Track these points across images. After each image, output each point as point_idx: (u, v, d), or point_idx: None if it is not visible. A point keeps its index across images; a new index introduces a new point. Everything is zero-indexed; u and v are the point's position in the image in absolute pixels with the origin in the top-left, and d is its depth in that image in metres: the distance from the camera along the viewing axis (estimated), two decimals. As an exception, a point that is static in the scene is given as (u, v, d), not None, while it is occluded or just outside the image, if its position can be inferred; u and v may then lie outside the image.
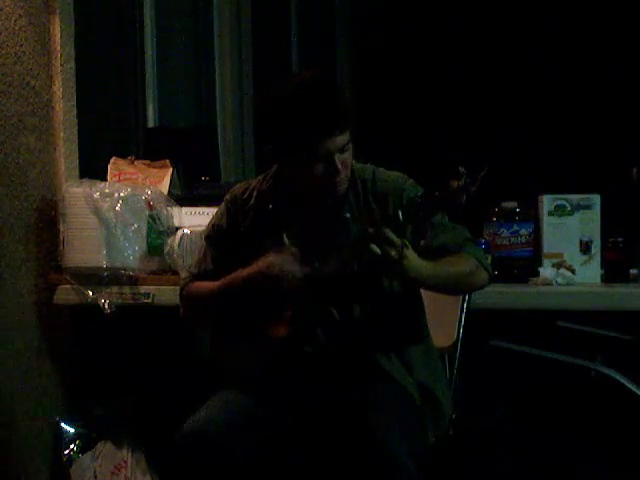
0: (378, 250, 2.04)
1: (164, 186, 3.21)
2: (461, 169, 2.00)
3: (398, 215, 2.04)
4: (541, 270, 2.85)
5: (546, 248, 2.89)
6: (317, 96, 2.18)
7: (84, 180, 3.06)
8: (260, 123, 2.30)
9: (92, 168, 3.25)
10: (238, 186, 2.44)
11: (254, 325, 2.28)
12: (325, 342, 2.27)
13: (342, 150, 2.20)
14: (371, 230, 2.06)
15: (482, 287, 2.33)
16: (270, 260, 2.20)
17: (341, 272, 2.18)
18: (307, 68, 2.30)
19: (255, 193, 2.37)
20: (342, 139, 2.19)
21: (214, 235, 2.41)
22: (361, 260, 2.18)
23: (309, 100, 2.17)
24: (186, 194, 3.24)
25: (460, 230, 2.30)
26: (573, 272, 2.84)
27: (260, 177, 2.41)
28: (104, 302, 2.94)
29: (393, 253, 2.04)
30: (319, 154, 2.18)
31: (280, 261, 2.19)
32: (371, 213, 2.23)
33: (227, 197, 2.43)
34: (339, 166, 2.20)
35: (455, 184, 2.00)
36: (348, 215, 2.28)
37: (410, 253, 2.09)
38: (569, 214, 2.89)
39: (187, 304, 2.42)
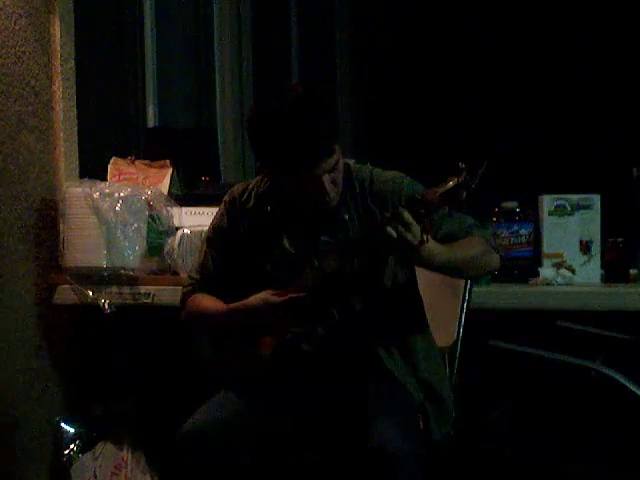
0: (394, 233, 2.01)
1: (164, 186, 3.21)
2: (461, 165, 2.00)
3: (399, 212, 2.04)
4: (541, 270, 2.85)
5: (546, 248, 2.89)
6: (302, 123, 2.13)
7: (84, 180, 3.06)
8: (249, 141, 2.29)
9: (92, 168, 3.25)
10: (237, 187, 2.43)
11: (247, 341, 2.29)
12: (324, 341, 2.27)
13: (331, 170, 2.18)
14: (387, 214, 2.04)
15: (495, 269, 2.32)
16: (268, 299, 2.20)
17: (341, 270, 2.18)
18: (294, 83, 2.24)
19: (254, 194, 2.37)
20: (330, 160, 2.17)
21: (214, 237, 2.41)
22: (362, 257, 2.18)
23: (294, 128, 2.12)
24: (186, 194, 3.24)
25: (463, 217, 2.28)
26: (573, 272, 2.84)
27: (258, 178, 2.40)
28: (104, 302, 2.94)
29: (410, 236, 2.03)
30: (307, 179, 2.17)
31: (277, 301, 2.19)
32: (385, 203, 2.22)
33: (226, 198, 2.42)
34: (328, 188, 2.19)
35: (455, 180, 2.00)
36: (346, 216, 2.28)
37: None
38: (569, 214, 2.89)
39: (188, 318, 2.41)
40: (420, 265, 2.18)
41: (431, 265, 2.14)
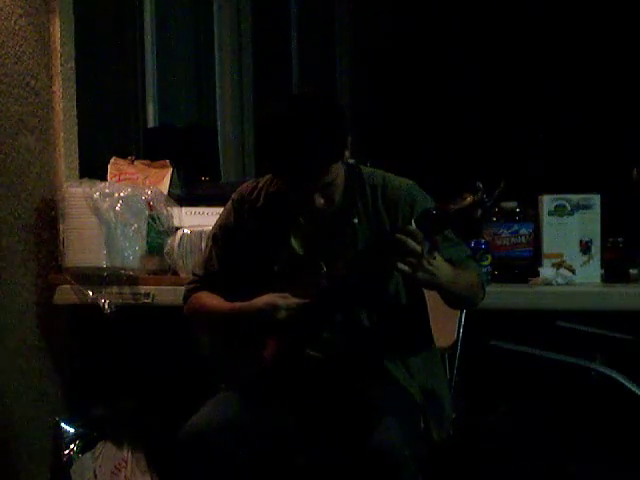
0: (404, 242, 2.02)
1: (164, 186, 3.21)
2: (478, 184, 2.00)
3: (411, 224, 2.03)
4: (541, 270, 2.85)
5: (546, 248, 2.89)
6: (293, 145, 2.11)
7: (84, 180, 3.06)
8: (257, 142, 2.30)
9: (92, 168, 3.26)
10: (245, 185, 2.40)
11: (250, 342, 2.29)
12: (329, 345, 2.26)
13: (323, 187, 2.17)
14: (400, 224, 2.05)
15: (476, 306, 2.33)
16: (275, 302, 2.19)
17: (348, 276, 2.17)
18: (308, 91, 2.24)
19: (264, 193, 2.34)
20: (323, 180, 2.16)
21: (221, 234, 2.39)
22: (370, 265, 2.17)
23: (283, 147, 2.13)
24: (186, 194, 3.24)
25: (463, 246, 2.32)
26: (573, 272, 2.84)
27: (268, 177, 2.37)
28: (104, 302, 2.95)
29: (419, 248, 2.03)
30: (298, 194, 2.18)
31: (282, 304, 2.18)
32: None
33: (234, 196, 2.39)
34: (317, 204, 2.18)
35: (471, 198, 2.00)
36: (356, 220, 2.27)
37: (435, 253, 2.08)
38: (569, 214, 2.89)
39: (190, 315, 2.41)
40: (423, 279, 2.11)
41: (433, 282, 2.12)
